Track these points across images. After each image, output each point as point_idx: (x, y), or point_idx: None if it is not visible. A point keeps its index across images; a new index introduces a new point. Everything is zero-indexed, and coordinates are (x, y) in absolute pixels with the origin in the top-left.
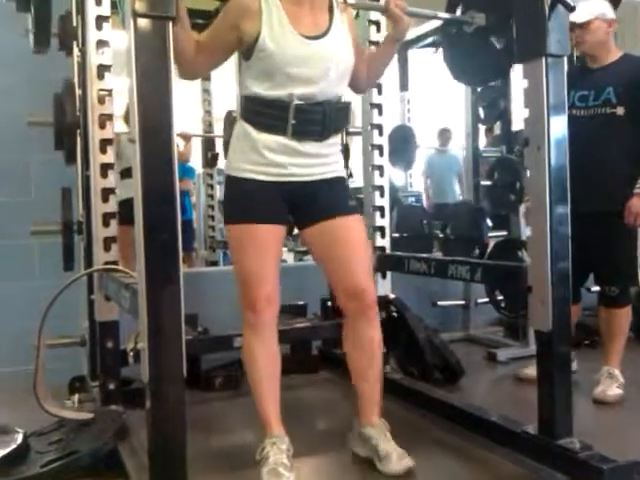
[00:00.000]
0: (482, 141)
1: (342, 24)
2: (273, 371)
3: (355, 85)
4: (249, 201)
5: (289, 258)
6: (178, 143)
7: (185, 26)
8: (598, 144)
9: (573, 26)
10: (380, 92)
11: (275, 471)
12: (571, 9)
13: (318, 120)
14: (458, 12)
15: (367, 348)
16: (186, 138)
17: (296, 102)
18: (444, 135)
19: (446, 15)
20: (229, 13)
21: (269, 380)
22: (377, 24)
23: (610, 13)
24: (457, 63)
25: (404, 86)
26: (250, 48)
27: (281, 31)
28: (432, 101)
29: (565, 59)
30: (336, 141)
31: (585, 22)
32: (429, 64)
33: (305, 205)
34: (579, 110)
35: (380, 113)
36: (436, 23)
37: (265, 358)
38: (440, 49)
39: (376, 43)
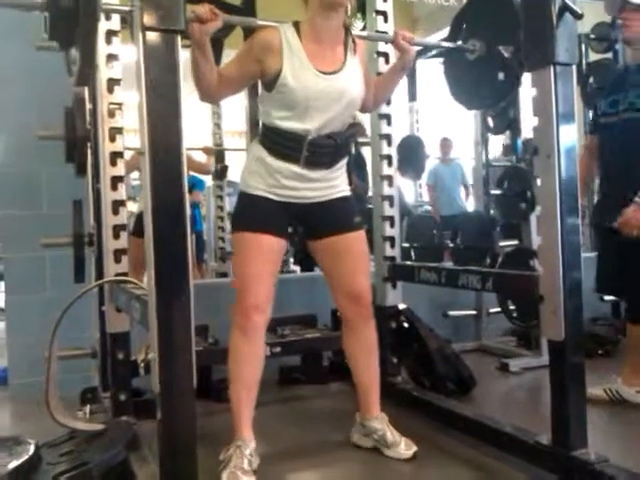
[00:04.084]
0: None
1: (354, 59)
2: (254, 376)
3: (362, 107)
4: (257, 213)
5: (298, 269)
6: (191, 155)
7: (208, 58)
8: (629, 153)
9: (624, 8)
10: (389, 103)
11: (234, 475)
12: (579, 17)
13: (329, 152)
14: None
15: (366, 346)
16: (209, 152)
17: (310, 137)
18: (445, 144)
19: (449, 44)
20: (253, 48)
21: (250, 384)
22: (385, 55)
23: None
24: (457, 87)
25: (412, 96)
26: (272, 82)
27: (301, 68)
28: (441, 111)
29: (574, 67)
30: (342, 164)
31: None
32: (437, 74)
33: (314, 221)
34: (609, 117)
35: (389, 123)
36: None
37: (250, 362)
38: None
39: None
